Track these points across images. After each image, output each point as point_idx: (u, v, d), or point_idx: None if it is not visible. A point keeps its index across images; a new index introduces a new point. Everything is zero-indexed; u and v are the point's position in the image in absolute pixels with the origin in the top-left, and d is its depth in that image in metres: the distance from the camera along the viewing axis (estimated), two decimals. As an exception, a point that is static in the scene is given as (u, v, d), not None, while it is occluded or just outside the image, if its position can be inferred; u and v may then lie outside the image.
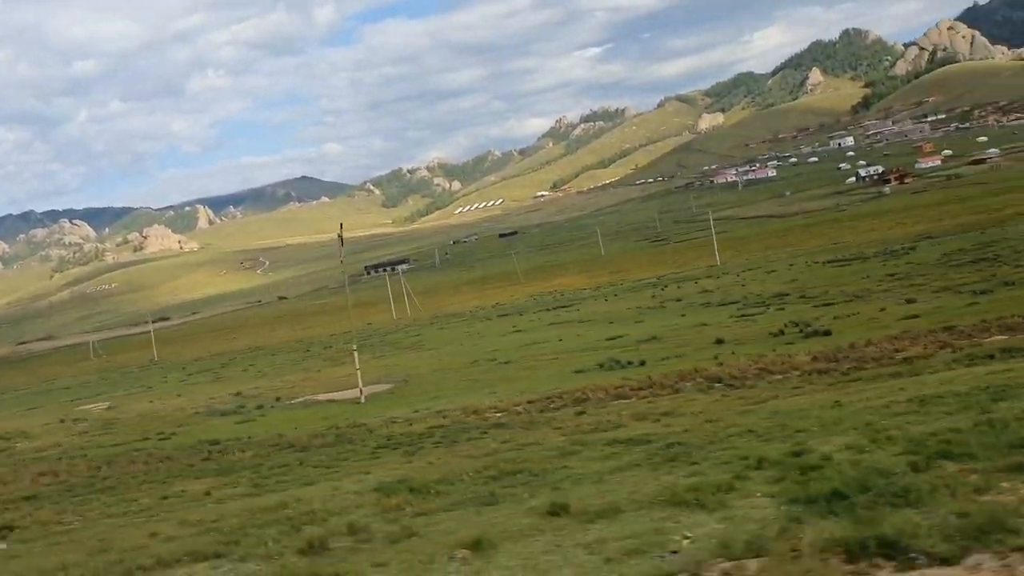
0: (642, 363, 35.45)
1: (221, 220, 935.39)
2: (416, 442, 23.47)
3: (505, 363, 44.24)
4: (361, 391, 41.15)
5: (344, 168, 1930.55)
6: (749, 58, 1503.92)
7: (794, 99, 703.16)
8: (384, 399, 40.34)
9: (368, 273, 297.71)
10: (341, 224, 59.51)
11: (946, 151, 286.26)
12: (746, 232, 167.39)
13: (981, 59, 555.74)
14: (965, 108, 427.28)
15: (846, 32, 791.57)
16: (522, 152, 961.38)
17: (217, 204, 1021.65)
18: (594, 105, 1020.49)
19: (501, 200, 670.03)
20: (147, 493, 20.58)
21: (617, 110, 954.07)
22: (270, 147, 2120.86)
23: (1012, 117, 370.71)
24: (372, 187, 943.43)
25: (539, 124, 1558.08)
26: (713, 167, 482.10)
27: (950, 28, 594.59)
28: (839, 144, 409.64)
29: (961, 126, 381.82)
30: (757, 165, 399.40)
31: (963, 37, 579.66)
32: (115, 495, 20.87)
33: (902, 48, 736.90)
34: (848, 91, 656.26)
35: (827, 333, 34.47)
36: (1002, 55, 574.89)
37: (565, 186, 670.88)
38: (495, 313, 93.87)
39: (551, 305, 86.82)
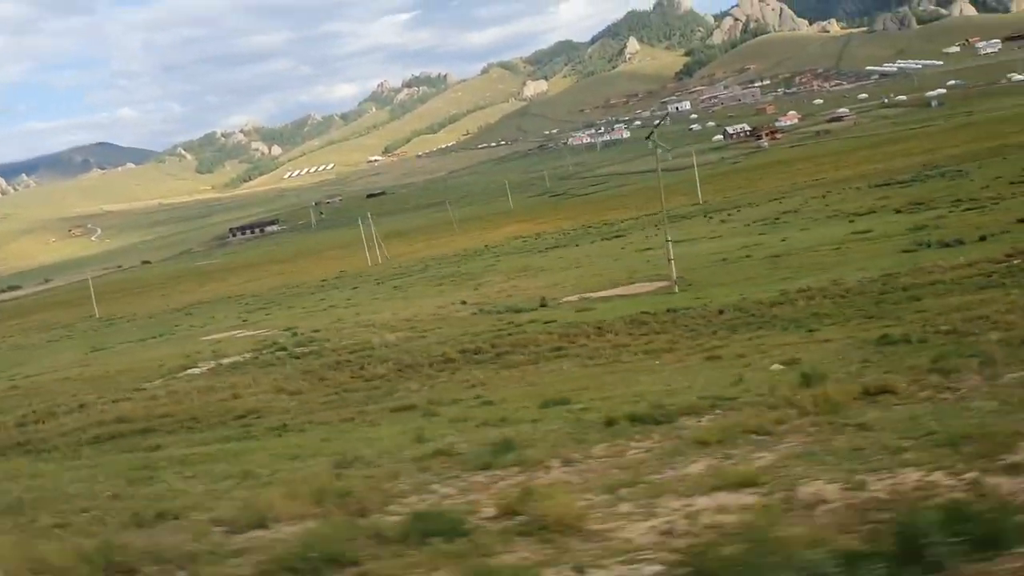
0: (982, 239, 38.48)
1: (15, 188, 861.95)
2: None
3: (775, 256, 46.04)
4: (674, 281, 42.05)
5: (140, 134, 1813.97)
6: (557, 28, 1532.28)
7: (613, 67, 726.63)
8: (693, 290, 41.38)
9: (233, 235, 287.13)
10: (653, 131, 59.27)
11: (791, 111, 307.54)
12: (667, 181, 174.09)
13: (791, 30, 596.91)
14: (786, 75, 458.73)
15: (660, 3, 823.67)
16: (344, 117, 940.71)
17: (6, 172, 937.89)
18: (405, 72, 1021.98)
19: (333, 165, 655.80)
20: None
21: (440, 76, 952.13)
22: (58, 112, 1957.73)
23: (833, 83, 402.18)
24: (184, 152, 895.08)
25: (349, 89, 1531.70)
26: (555, 131, 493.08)
27: (761, 1, 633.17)
28: (676, 108, 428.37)
29: (788, 91, 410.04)
30: (602, 128, 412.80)
31: (772, 9, 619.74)
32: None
33: (712, 19, 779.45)
34: (666, 60, 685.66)
35: None
36: (806, 27, 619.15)
37: (398, 150, 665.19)
38: (524, 249, 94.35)
39: (605, 235, 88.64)
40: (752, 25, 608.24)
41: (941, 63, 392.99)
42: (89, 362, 59.32)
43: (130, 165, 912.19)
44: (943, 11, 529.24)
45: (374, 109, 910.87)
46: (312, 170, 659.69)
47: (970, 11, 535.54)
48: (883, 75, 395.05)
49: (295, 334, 45.84)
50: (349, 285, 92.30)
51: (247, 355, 39.72)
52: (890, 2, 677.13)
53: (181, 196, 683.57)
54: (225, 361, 38.68)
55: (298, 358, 36.70)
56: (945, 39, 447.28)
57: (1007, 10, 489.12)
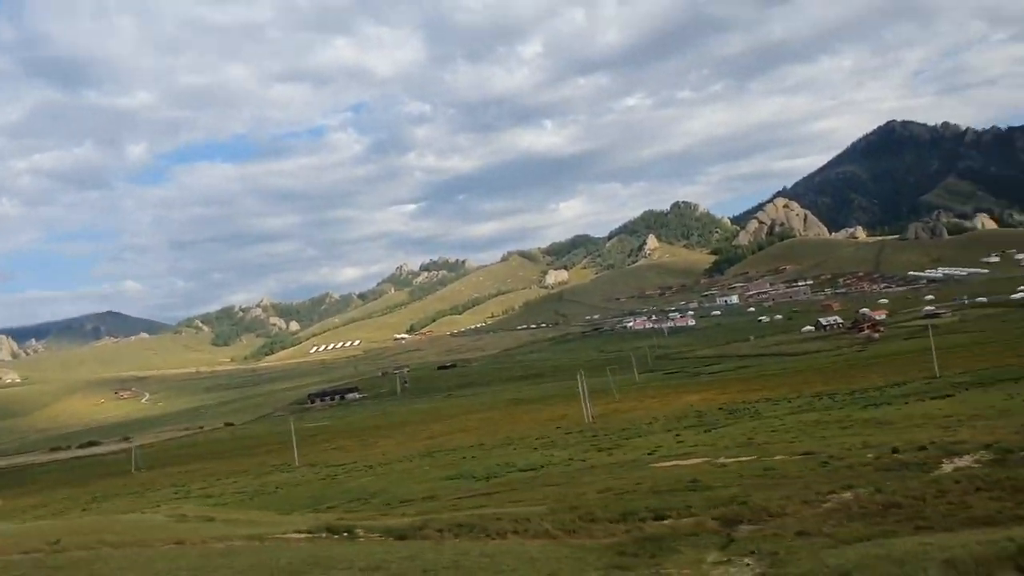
0: None
1: (26, 352, 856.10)
2: None
3: None
4: None
5: (143, 307, 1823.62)
6: (556, 224, 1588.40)
7: (633, 262, 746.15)
8: None
9: (312, 401, 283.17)
10: None
11: (863, 308, 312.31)
12: (814, 363, 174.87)
13: (815, 235, 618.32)
14: (827, 276, 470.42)
15: (676, 204, 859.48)
16: (362, 296, 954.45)
17: (15, 336, 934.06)
18: (408, 258, 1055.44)
19: (359, 341, 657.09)
20: None
21: (457, 261, 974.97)
22: (61, 281, 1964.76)
23: (882, 286, 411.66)
24: (201, 324, 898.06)
25: (354, 272, 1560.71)
26: (596, 316, 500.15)
27: (785, 206, 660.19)
28: (726, 301, 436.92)
29: (837, 291, 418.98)
30: (654, 316, 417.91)
31: (797, 215, 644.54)
32: None
33: (729, 222, 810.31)
34: (689, 256, 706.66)
35: None
36: (827, 233, 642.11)
37: (424, 329, 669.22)
38: (796, 410, 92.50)
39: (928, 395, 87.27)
40: (778, 228, 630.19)
41: (987, 271, 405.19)
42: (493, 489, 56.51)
43: (143, 335, 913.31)
44: (967, 223, 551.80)
45: (393, 290, 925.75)
46: (338, 345, 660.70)
47: (991, 225, 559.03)
48: (931, 280, 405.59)
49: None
50: (629, 435, 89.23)
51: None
52: (902, 214, 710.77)
53: (201, 366, 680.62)
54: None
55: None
56: (979, 250, 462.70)
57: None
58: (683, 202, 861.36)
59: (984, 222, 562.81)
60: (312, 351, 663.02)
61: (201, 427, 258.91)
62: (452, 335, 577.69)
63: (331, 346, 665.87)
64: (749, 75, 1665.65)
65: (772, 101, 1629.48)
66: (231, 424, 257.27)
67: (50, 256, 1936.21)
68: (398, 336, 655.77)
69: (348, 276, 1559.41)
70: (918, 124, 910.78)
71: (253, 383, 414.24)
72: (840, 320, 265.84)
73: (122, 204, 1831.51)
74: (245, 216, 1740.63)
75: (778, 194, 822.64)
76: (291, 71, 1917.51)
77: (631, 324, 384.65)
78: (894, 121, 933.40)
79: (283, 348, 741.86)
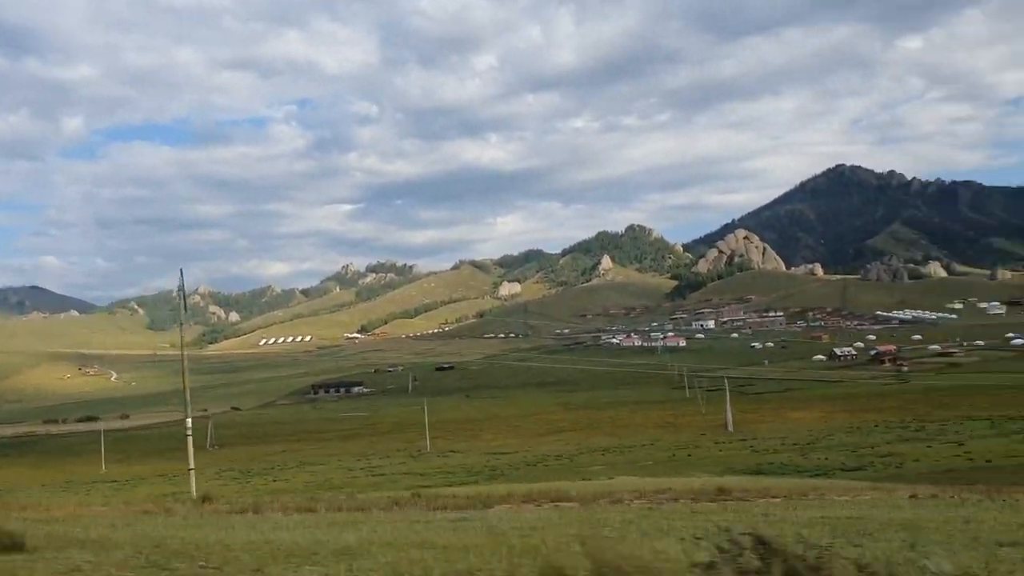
0: None
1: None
2: None
3: None
4: None
5: (60, 284, 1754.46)
6: (491, 239, 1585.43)
7: (587, 280, 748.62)
8: None
9: (316, 392, 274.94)
10: None
11: (855, 343, 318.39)
12: (876, 390, 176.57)
13: (773, 268, 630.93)
14: (796, 309, 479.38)
15: (631, 228, 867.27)
16: (305, 292, 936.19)
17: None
18: (340, 259, 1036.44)
19: (311, 337, 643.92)
20: None
21: (405, 265, 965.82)
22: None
23: (855, 323, 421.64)
24: (136, 306, 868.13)
25: (282, 268, 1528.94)
26: (566, 331, 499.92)
27: (746, 238, 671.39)
28: (702, 325, 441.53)
29: (813, 324, 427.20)
30: (626, 334, 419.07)
31: (756, 247, 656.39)
32: None
33: (681, 248, 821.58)
34: (643, 279, 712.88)
35: None
36: (783, 267, 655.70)
37: (378, 330, 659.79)
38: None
39: None
40: (736, 259, 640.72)
41: (955, 316, 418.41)
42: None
43: (73, 312, 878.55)
44: (922, 269, 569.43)
45: (338, 288, 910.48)
46: (288, 340, 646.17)
47: (941, 273, 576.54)
48: (902, 321, 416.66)
49: None
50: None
51: None
52: (847, 255, 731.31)
53: (141, 349, 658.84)
54: None
55: None
56: (938, 296, 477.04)
57: (994, 277, 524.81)
58: (638, 226, 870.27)
59: (935, 270, 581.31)
60: (262, 343, 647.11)
61: (205, 410, 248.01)
62: (411, 338, 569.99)
63: (281, 340, 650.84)
64: (695, 107, 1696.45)
65: (715, 135, 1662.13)
66: (237, 408, 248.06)
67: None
68: (350, 335, 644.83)
69: (277, 271, 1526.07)
70: (865, 170, 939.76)
71: (227, 370, 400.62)
72: (854, 352, 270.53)
73: (51, 178, 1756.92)
74: (176, 201, 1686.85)
75: (726, 227, 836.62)
76: (240, 59, 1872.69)
77: (616, 340, 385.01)
78: (843, 165, 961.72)
79: (226, 338, 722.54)
